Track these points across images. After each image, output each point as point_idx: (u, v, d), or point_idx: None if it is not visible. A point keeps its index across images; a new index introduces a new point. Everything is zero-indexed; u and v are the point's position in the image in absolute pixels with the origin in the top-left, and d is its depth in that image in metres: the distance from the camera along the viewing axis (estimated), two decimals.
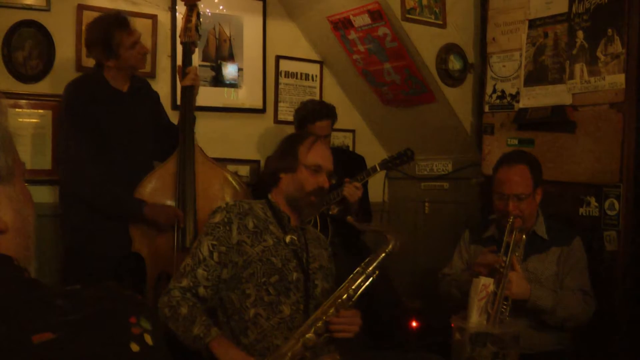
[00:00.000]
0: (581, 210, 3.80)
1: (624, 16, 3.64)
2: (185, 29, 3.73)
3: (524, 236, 3.18)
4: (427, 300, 4.47)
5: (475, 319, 2.90)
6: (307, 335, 2.52)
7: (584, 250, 3.35)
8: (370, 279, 2.63)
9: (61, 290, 1.04)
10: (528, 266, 3.27)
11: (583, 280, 3.28)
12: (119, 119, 3.57)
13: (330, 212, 2.87)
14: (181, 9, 3.95)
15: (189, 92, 3.71)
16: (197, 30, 3.76)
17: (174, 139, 3.67)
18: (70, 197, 3.54)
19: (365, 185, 4.25)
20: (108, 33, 3.47)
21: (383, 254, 2.67)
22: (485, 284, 2.93)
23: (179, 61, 3.84)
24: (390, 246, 2.68)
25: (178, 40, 3.91)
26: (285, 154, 2.82)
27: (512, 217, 3.17)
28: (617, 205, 3.65)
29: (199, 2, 3.81)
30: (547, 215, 3.44)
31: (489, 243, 3.39)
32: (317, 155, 2.78)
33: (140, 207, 3.44)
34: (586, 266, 3.32)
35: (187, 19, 3.75)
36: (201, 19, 3.86)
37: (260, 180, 4.43)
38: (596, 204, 3.74)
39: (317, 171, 2.77)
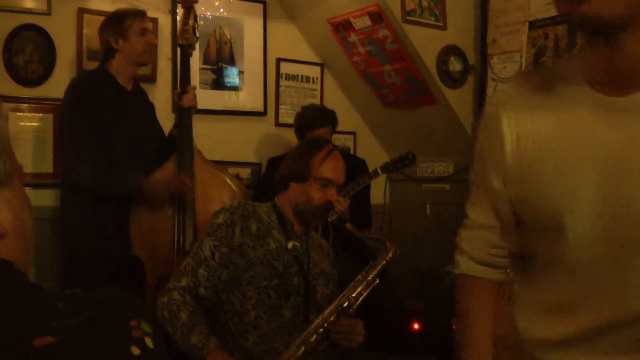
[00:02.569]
0: None
1: None
2: (182, 31, 3.73)
3: None
4: (429, 302, 4.47)
5: None
6: (308, 343, 2.53)
7: None
8: (371, 286, 2.66)
9: (62, 294, 1.04)
10: None
11: None
12: (124, 116, 3.58)
13: (329, 219, 2.86)
14: (181, 12, 3.95)
15: (189, 113, 3.68)
16: (194, 32, 3.76)
17: (165, 151, 3.67)
18: (72, 196, 3.54)
19: (367, 188, 4.25)
20: (122, 15, 3.60)
21: (383, 262, 2.70)
22: None
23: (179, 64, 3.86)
24: (390, 253, 2.71)
25: None
26: (298, 162, 2.80)
27: None
28: None
29: (195, 4, 3.81)
30: None
31: None
32: (329, 168, 2.76)
33: (139, 179, 3.41)
34: None
35: (184, 21, 3.74)
36: (199, 21, 3.86)
37: (263, 183, 4.42)
38: None
39: (327, 185, 2.76)
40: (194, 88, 3.73)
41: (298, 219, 2.80)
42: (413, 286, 4.89)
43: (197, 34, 3.81)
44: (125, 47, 3.56)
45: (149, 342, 0.99)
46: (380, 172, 4.10)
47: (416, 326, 4.34)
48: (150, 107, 3.90)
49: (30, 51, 3.95)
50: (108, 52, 3.59)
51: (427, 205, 5.06)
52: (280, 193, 2.86)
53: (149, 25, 3.71)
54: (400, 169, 4.24)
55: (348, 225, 2.84)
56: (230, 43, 4.71)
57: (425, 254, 4.94)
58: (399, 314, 4.28)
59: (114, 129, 3.52)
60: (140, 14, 3.65)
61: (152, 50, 3.74)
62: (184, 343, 2.51)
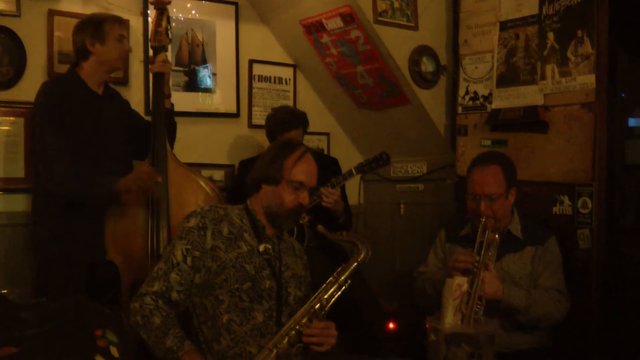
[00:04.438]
0: (555, 209, 3.84)
1: (593, 18, 3.68)
2: (156, 32, 3.74)
3: (497, 236, 3.21)
4: (404, 302, 4.49)
5: (450, 319, 2.93)
6: (280, 345, 2.53)
7: (559, 250, 3.38)
8: (343, 288, 2.67)
9: (26, 303, 1.03)
10: (503, 265, 3.30)
11: (557, 280, 3.31)
12: (95, 120, 3.55)
13: (300, 221, 2.86)
14: (153, 14, 3.93)
15: (159, 79, 3.69)
16: (167, 34, 3.76)
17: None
18: (44, 202, 3.50)
19: (342, 189, 4.25)
20: (102, 19, 3.60)
21: (355, 264, 2.70)
22: (459, 283, 2.96)
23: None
24: (361, 255, 2.71)
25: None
26: (270, 164, 2.79)
27: (484, 218, 3.20)
28: (589, 204, 3.69)
29: (168, 6, 3.80)
30: (522, 215, 3.47)
31: (464, 242, 3.41)
32: (301, 171, 2.76)
33: (113, 182, 3.37)
34: (560, 265, 3.35)
35: (157, 22, 3.75)
36: (172, 23, 3.86)
37: (235, 185, 4.41)
38: (569, 203, 3.77)
39: (299, 188, 2.76)
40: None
41: (270, 222, 2.80)
42: (388, 286, 4.91)
43: (170, 36, 3.81)
44: (101, 51, 3.54)
45: (114, 351, 0.98)
46: (354, 173, 4.10)
47: (391, 326, 4.35)
48: (124, 106, 3.87)
49: (0, 54, 3.91)
50: (81, 54, 3.56)
51: (402, 205, 5.08)
52: (253, 195, 2.85)
53: (127, 33, 3.70)
54: (375, 169, 4.24)
55: (320, 228, 2.83)
56: (203, 45, 4.70)
57: (400, 253, 4.96)
58: (374, 313, 4.29)
59: (85, 134, 3.50)
60: (119, 21, 3.65)
61: (126, 57, 3.73)
62: (158, 348, 2.50)
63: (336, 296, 2.66)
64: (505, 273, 3.27)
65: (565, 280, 3.34)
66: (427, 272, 3.55)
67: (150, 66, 3.77)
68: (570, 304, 3.28)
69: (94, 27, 3.55)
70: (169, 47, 3.90)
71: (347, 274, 2.68)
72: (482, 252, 3.11)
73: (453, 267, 3.12)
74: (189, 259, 2.62)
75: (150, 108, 3.92)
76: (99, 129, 3.57)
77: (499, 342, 2.94)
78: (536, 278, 3.30)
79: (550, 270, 3.31)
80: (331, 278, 2.69)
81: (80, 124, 3.48)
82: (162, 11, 3.77)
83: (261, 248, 2.73)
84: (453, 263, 3.14)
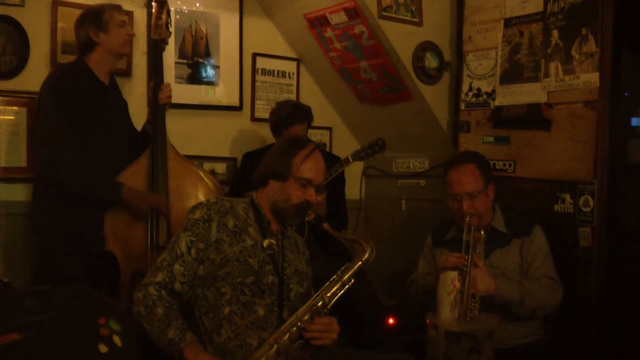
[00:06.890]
0: (556, 207, 3.84)
1: (598, 16, 3.68)
2: (156, 26, 3.73)
3: (482, 233, 3.23)
4: (404, 297, 4.48)
5: (446, 314, 2.95)
6: (281, 341, 2.54)
7: (545, 238, 3.39)
8: (346, 287, 2.68)
9: (29, 291, 1.03)
10: (492, 261, 3.32)
11: (547, 267, 3.33)
12: (102, 109, 3.56)
13: (306, 218, 2.86)
14: (155, 6, 3.93)
15: (163, 109, 3.69)
16: (167, 27, 3.75)
17: (139, 147, 3.68)
18: (45, 192, 3.50)
19: (342, 183, 4.24)
20: (101, 8, 3.63)
21: (359, 263, 2.72)
22: (452, 278, 2.99)
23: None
24: (366, 254, 2.72)
25: None
26: (279, 160, 2.79)
27: (467, 216, 3.21)
28: (591, 202, 3.69)
29: None
30: (503, 209, 3.48)
31: (451, 245, 3.42)
32: (309, 169, 2.75)
33: (118, 189, 3.42)
34: (548, 253, 3.37)
35: (157, 15, 3.74)
36: (175, 16, 3.86)
37: (238, 177, 4.41)
38: (571, 201, 3.78)
39: (307, 185, 2.76)
40: (168, 84, 3.73)
41: (275, 217, 2.80)
42: (388, 281, 4.91)
43: (170, 29, 3.81)
44: (106, 40, 3.56)
45: (117, 340, 0.98)
46: (351, 160, 4.09)
47: (391, 321, 4.35)
48: (124, 103, 3.88)
49: (3, 43, 3.91)
50: (87, 46, 3.57)
51: (403, 201, 5.07)
52: (259, 190, 2.85)
53: (126, 18, 3.72)
54: (371, 155, 4.21)
55: (325, 225, 2.83)
56: (206, 38, 4.69)
57: (401, 249, 4.95)
58: (374, 308, 4.29)
59: (92, 123, 3.50)
60: (117, 8, 3.67)
61: (131, 41, 3.74)
62: (160, 338, 2.50)
63: (339, 295, 2.67)
64: (495, 268, 3.29)
65: (555, 267, 3.35)
66: (418, 279, 3.56)
67: (159, 95, 3.69)
68: (563, 290, 3.29)
69: (95, 17, 3.57)
70: (172, 39, 3.89)
71: (350, 272, 2.70)
72: (470, 251, 3.12)
73: (443, 267, 3.12)
74: (193, 251, 2.63)
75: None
76: (105, 118, 3.57)
77: (498, 337, 2.95)
78: (527, 269, 3.32)
79: (539, 259, 3.32)
80: (335, 276, 2.70)
81: (88, 112, 3.48)
82: (162, 4, 3.76)
83: (265, 243, 2.73)
84: (443, 263, 3.15)
